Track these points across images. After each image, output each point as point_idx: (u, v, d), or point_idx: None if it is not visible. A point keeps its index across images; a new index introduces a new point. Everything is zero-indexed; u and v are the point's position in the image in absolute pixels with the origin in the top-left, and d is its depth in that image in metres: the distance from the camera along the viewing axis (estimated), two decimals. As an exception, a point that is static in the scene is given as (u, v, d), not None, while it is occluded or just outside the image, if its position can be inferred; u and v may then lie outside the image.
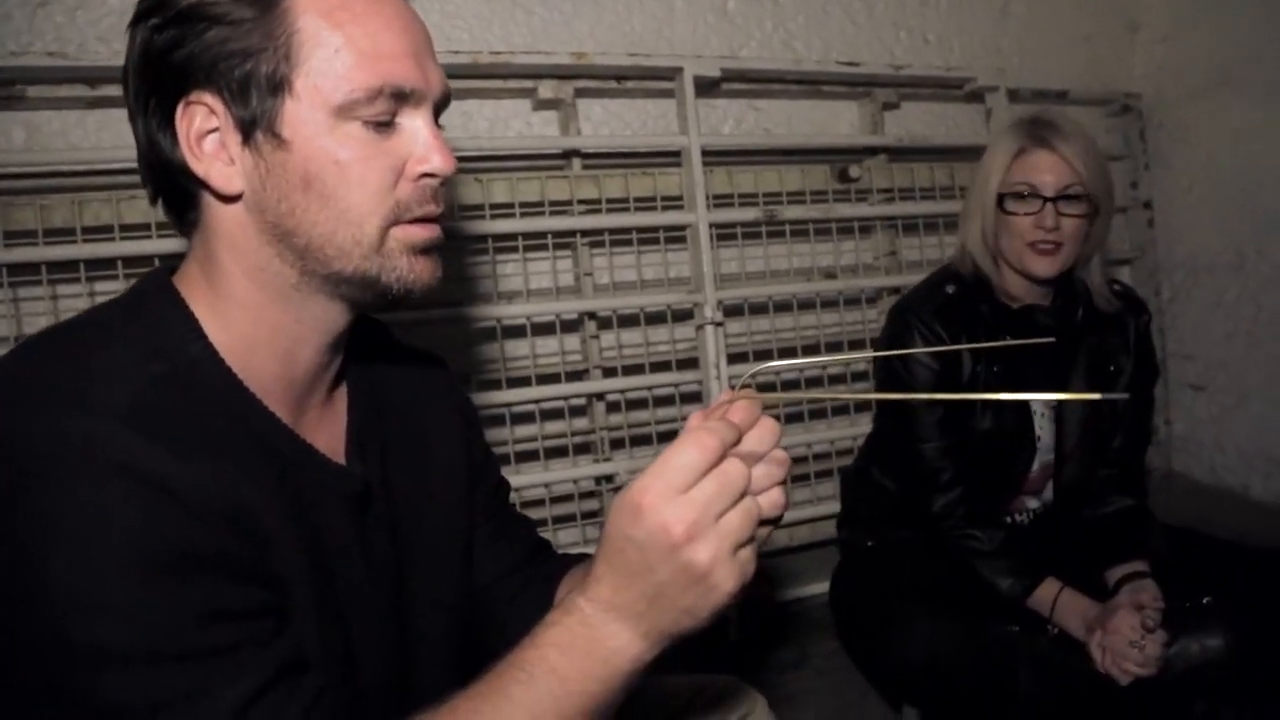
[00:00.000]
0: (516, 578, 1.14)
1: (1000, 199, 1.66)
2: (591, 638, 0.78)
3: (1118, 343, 1.77)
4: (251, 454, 0.84)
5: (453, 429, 1.11)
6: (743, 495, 0.77)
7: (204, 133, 0.87)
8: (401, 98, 0.88)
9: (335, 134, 0.85)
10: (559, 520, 2.11)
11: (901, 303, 1.77)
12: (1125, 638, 1.58)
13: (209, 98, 0.86)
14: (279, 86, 0.85)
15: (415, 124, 0.90)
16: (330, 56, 0.85)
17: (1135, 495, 1.81)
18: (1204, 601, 1.63)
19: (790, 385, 2.31)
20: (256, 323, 0.89)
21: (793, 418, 2.35)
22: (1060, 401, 1.70)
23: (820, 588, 2.07)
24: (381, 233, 0.87)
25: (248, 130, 0.86)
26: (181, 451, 0.75)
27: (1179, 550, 1.78)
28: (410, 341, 1.18)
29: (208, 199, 0.90)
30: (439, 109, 0.93)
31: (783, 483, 0.84)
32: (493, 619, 1.12)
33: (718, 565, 0.76)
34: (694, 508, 0.76)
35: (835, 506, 2.09)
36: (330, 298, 0.91)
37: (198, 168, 0.87)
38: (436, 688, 0.84)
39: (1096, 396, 0.80)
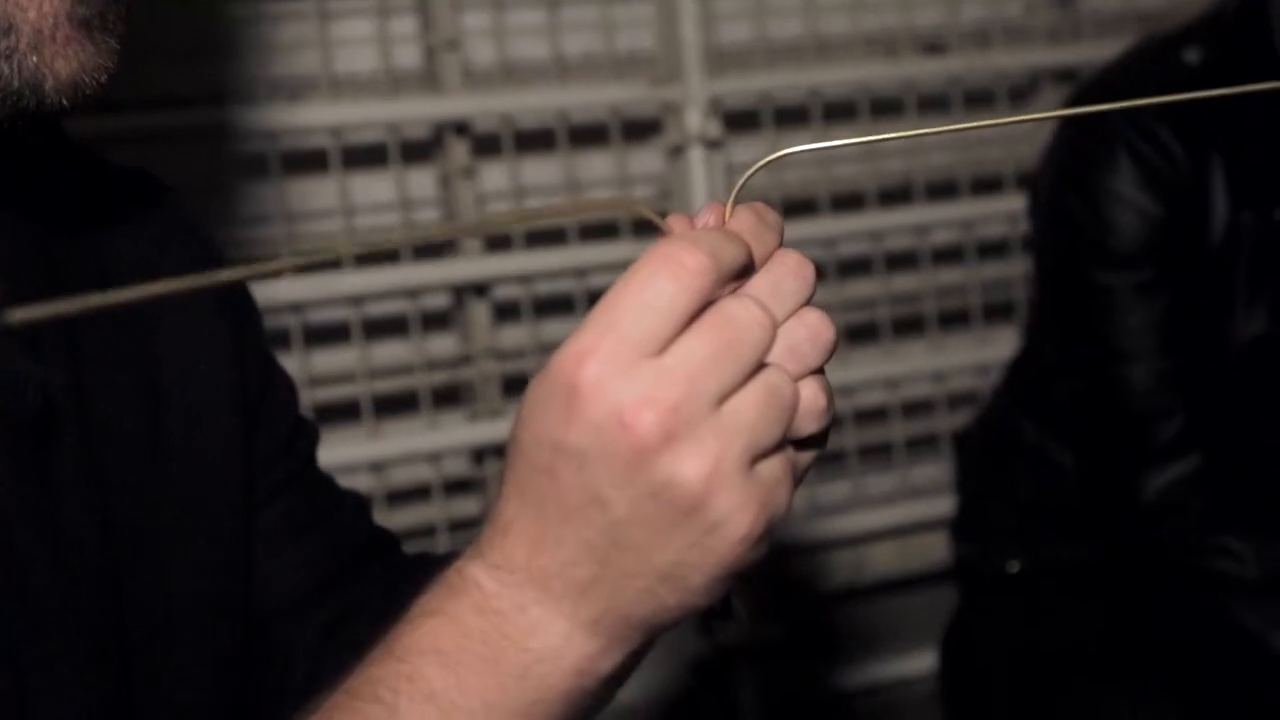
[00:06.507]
0: (330, 600, 0.91)
1: None
2: (499, 633, 0.61)
3: None
4: None
5: (205, 318, 0.88)
6: (760, 366, 0.58)
7: None
8: None
9: None
10: (407, 536, 1.75)
11: (1092, 89, 1.52)
12: None
13: None
14: None
15: None
16: None
17: None
18: None
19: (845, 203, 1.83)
20: None
21: (858, 332, 1.85)
22: None
23: (919, 663, 1.80)
24: None
25: None
26: None
27: None
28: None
29: None
30: None
31: (818, 372, 0.62)
32: (285, 672, 0.91)
33: (721, 487, 0.56)
34: (674, 382, 0.57)
35: (943, 506, 1.79)
36: None
37: None
38: None
39: None
